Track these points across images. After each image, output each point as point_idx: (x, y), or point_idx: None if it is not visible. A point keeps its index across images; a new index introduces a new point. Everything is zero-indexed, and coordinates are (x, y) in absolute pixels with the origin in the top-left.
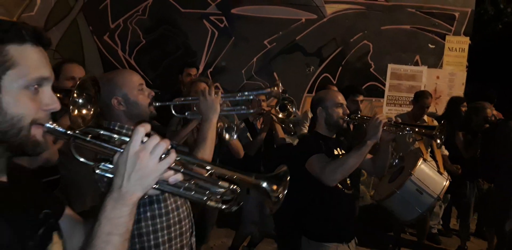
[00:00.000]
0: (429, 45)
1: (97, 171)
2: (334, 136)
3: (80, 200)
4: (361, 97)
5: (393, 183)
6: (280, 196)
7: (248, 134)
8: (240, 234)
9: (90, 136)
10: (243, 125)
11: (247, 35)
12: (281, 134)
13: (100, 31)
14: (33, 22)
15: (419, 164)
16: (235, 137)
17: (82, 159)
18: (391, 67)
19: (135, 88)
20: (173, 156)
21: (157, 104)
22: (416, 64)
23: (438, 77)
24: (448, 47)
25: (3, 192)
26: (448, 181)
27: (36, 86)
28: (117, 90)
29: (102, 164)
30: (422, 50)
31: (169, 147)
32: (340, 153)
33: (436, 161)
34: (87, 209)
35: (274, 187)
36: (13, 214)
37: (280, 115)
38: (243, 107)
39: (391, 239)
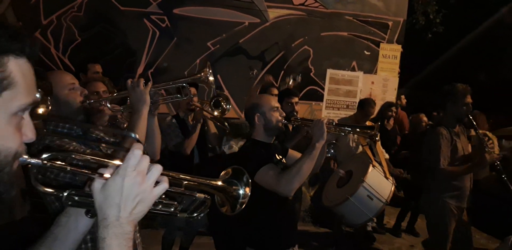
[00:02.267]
0: (365, 52)
1: (70, 203)
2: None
3: (7, 211)
4: (295, 99)
5: (344, 188)
6: (247, 199)
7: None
8: (166, 241)
9: (66, 164)
10: (173, 120)
11: (190, 36)
12: (213, 129)
13: (31, 28)
14: None
15: (370, 170)
16: None
17: (47, 189)
18: (329, 72)
19: (65, 88)
20: (166, 180)
21: (89, 102)
22: (353, 69)
23: (373, 83)
24: (382, 54)
25: None
26: (393, 186)
27: (23, 112)
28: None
29: (71, 192)
30: (358, 57)
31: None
32: (279, 158)
33: (381, 166)
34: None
35: (247, 190)
36: None
37: (216, 113)
38: (177, 95)
39: (330, 237)
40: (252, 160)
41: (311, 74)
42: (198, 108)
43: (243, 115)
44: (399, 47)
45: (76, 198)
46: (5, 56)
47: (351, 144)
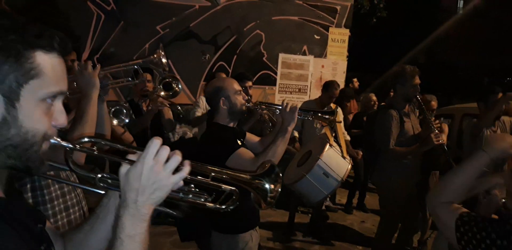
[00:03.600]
0: (315, 36)
1: (102, 184)
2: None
3: None
4: (249, 83)
5: (301, 167)
6: (276, 195)
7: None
8: None
9: (96, 149)
10: (127, 104)
11: (138, 20)
12: (168, 115)
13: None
14: None
15: (326, 149)
16: (126, 120)
17: (82, 172)
18: (282, 56)
19: None
20: (187, 169)
21: None
22: (304, 54)
23: (323, 66)
24: (331, 38)
25: (4, 208)
26: (350, 165)
27: (52, 99)
28: None
29: (104, 175)
30: (309, 41)
31: (181, 159)
32: (239, 142)
33: (340, 146)
34: None
35: (272, 186)
36: (18, 230)
37: (163, 93)
38: (128, 79)
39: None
40: (223, 144)
41: (264, 58)
42: (155, 95)
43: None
44: (347, 31)
45: (109, 180)
46: (33, 51)
47: (315, 125)
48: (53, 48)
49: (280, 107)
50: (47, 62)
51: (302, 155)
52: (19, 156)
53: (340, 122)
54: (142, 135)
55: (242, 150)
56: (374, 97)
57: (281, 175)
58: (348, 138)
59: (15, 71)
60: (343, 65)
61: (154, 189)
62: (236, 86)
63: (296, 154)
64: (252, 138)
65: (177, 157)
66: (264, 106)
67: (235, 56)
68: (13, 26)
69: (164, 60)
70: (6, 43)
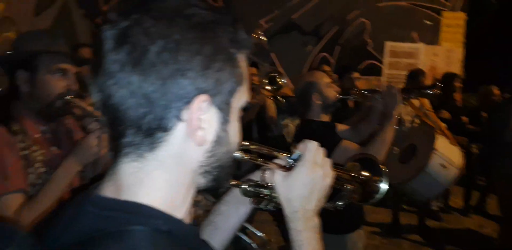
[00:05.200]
0: (426, 21)
1: (250, 189)
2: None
3: None
4: (355, 74)
5: (412, 162)
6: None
7: None
8: None
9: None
10: None
11: (242, 14)
12: (271, 108)
13: (92, 14)
14: (23, 7)
15: (437, 138)
16: None
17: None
18: (388, 45)
19: None
20: (332, 173)
21: None
22: (414, 41)
23: (435, 54)
24: (445, 23)
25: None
26: (461, 151)
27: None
28: None
29: (251, 183)
30: (419, 27)
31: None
32: None
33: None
34: None
35: (386, 187)
36: None
37: (268, 87)
38: None
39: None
40: (323, 141)
41: (369, 47)
42: (260, 89)
43: None
44: (463, 15)
45: (250, 189)
46: (240, 54)
47: (404, 117)
48: (248, 48)
49: (376, 93)
50: (245, 66)
51: (400, 150)
52: (220, 177)
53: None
54: (247, 127)
55: (345, 142)
56: (497, 91)
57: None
58: (444, 124)
59: (231, 78)
60: (458, 52)
61: (321, 196)
62: (326, 79)
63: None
64: (341, 127)
65: (328, 159)
66: (360, 95)
67: (338, 47)
68: (226, 24)
69: (263, 38)
70: (221, 44)
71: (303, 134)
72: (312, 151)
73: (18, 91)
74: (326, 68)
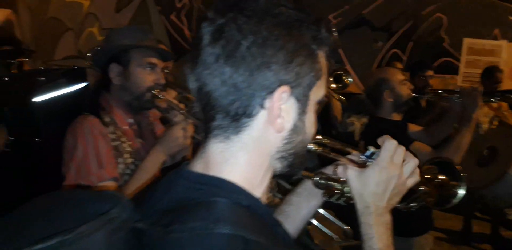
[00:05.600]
0: (510, 17)
1: (322, 181)
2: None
3: None
4: (430, 72)
5: (493, 165)
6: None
7: None
8: None
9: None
10: None
11: (311, 10)
12: (337, 106)
13: (168, 11)
14: (105, 4)
15: None
16: None
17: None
18: (467, 41)
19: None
20: (418, 174)
21: None
22: (495, 38)
23: None
24: None
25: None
26: None
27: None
28: None
29: (323, 176)
30: (501, 23)
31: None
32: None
33: None
34: None
35: (464, 192)
36: None
37: (333, 86)
38: None
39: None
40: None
41: (445, 44)
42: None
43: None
44: None
45: (322, 181)
46: (320, 50)
47: (481, 119)
48: (328, 45)
49: (454, 93)
50: (324, 62)
51: (478, 153)
52: (294, 163)
53: None
54: None
55: (417, 144)
56: None
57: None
58: None
59: (310, 73)
60: None
61: (394, 194)
62: (400, 76)
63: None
64: (413, 128)
65: (416, 160)
66: (435, 94)
67: (411, 43)
68: (309, 22)
69: (335, 34)
70: (304, 41)
71: (371, 133)
72: (389, 150)
73: (109, 83)
74: (398, 65)
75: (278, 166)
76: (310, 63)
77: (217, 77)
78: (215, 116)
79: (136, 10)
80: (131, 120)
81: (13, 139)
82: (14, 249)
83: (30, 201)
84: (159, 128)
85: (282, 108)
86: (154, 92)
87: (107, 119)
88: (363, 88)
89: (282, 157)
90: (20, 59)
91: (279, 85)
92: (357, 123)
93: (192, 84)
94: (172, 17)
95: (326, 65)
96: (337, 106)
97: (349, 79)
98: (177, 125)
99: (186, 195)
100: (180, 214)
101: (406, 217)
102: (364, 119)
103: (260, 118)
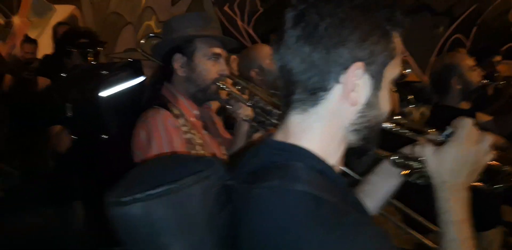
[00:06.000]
0: None
1: (399, 160)
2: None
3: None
4: (498, 58)
5: None
6: None
7: None
8: None
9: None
10: None
11: None
12: (394, 101)
13: (221, 2)
14: None
15: None
16: None
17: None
18: None
19: (267, 57)
20: (492, 152)
21: None
22: None
23: None
24: None
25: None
26: None
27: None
28: (252, 63)
29: (400, 155)
30: None
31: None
32: None
33: None
34: None
35: None
36: None
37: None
38: None
39: None
40: None
41: None
42: None
43: (425, 79)
44: None
45: (400, 160)
46: (395, 31)
47: None
48: (402, 28)
49: None
50: (399, 42)
51: None
52: (368, 137)
53: None
54: None
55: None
56: None
57: None
58: None
59: (384, 51)
60: None
61: (471, 171)
62: (469, 61)
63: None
64: (482, 117)
65: (490, 137)
66: (507, 81)
67: (475, 28)
68: (384, 5)
69: None
70: (379, 22)
71: (436, 121)
72: (466, 127)
73: (171, 75)
74: (462, 51)
75: (352, 138)
76: (384, 43)
77: (298, 56)
78: (295, 91)
79: (191, 2)
80: (196, 112)
81: (76, 137)
82: (133, 193)
83: (147, 161)
84: (217, 120)
85: (357, 83)
86: (218, 83)
87: (176, 111)
88: (423, 76)
89: (355, 130)
90: (96, 49)
91: (354, 61)
92: (415, 113)
93: (276, 63)
94: (226, 8)
95: (401, 46)
96: (394, 97)
97: (407, 69)
98: (246, 120)
99: (268, 159)
100: (262, 174)
101: (474, 211)
102: (423, 109)
103: (336, 92)
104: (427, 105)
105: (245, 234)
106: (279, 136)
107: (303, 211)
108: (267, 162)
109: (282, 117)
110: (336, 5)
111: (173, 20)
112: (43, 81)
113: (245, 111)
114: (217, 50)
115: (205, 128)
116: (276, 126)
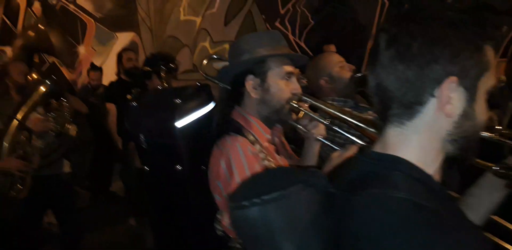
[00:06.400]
0: None
1: (502, 170)
2: None
3: None
4: None
5: None
6: None
7: None
8: None
9: None
10: None
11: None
12: None
13: (272, 18)
14: (215, 19)
15: None
16: None
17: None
18: None
19: (336, 65)
20: None
21: (358, 75)
22: None
23: None
24: None
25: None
26: None
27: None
28: (321, 71)
29: (503, 165)
30: None
31: None
32: None
33: None
34: None
35: None
36: None
37: None
38: None
39: None
40: None
41: None
42: None
43: None
44: None
45: (503, 170)
46: (487, 44)
47: None
48: (492, 40)
49: None
50: (492, 55)
51: None
52: (466, 147)
53: None
54: None
55: None
56: None
57: None
58: None
59: (477, 65)
60: None
61: None
62: None
63: None
64: None
65: None
66: None
67: None
68: (474, 22)
69: None
70: (470, 38)
71: None
72: None
73: (241, 97)
74: None
75: (450, 148)
76: (477, 57)
77: (392, 74)
78: (391, 106)
79: (242, 21)
80: (268, 135)
81: (148, 169)
82: (251, 198)
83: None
84: (285, 142)
85: (451, 96)
86: (291, 103)
87: (251, 137)
88: None
89: (453, 140)
90: (173, 72)
91: (447, 76)
92: (494, 119)
93: (372, 82)
94: (277, 24)
95: (494, 57)
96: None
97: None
98: (344, 148)
99: (368, 169)
100: (362, 182)
101: None
102: (491, 114)
103: (431, 105)
104: (494, 110)
105: (348, 239)
106: (377, 147)
107: (404, 217)
108: (366, 172)
109: (380, 131)
110: (426, 25)
111: (242, 41)
112: (109, 107)
113: (319, 131)
114: (290, 68)
115: (277, 151)
116: (347, 144)
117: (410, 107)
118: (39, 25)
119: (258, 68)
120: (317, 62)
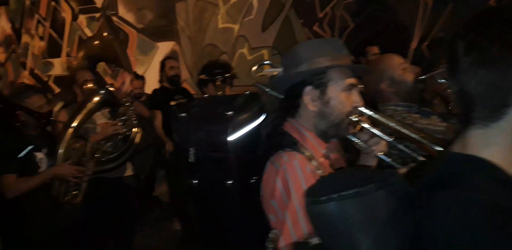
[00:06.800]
0: None
1: None
2: None
3: None
4: None
5: None
6: None
7: None
8: None
9: None
10: None
11: None
12: None
13: (310, 22)
14: (253, 25)
15: None
16: None
17: None
18: None
19: (398, 67)
20: None
21: (423, 77)
22: None
23: None
24: None
25: None
26: None
27: None
28: (382, 75)
29: None
30: None
31: None
32: None
33: None
34: None
35: None
36: None
37: None
38: None
39: None
40: None
41: None
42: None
43: None
44: None
45: None
46: None
47: None
48: None
49: None
50: None
51: None
52: None
53: None
54: None
55: None
56: None
57: None
58: None
59: None
60: None
61: None
62: None
63: None
64: None
65: None
66: None
67: None
68: None
69: None
70: None
71: None
72: None
73: (296, 109)
74: None
75: None
76: None
77: (473, 79)
78: (475, 109)
79: (280, 26)
80: (324, 151)
81: (196, 182)
82: (326, 194)
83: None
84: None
85: None
86: (351, 117)
87: (307, 153)
88: None
89: None
90: (229, 80)
91: None
92: None
93: (453, 88)
94: (315, 28)
95: None
96: None
97: None
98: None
99: (447, 170)
100: (442, 182)
101: None
102: None
103: None
104: None
105: (426, 238)
106: (456, 148)
107: (484, 218)
108: (447, 172)
109: (460, 132)
110: (503, 29)
111: (300, 49)
112: (155, 113)
113: (381, 147)
114: (352, 80)
115: (332, 166)
116: (408, 163)
117: (496, 109)
118: (104, 34)
119: (318, 80)
120: (377, 65)
